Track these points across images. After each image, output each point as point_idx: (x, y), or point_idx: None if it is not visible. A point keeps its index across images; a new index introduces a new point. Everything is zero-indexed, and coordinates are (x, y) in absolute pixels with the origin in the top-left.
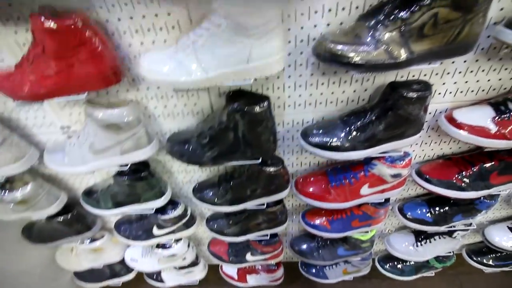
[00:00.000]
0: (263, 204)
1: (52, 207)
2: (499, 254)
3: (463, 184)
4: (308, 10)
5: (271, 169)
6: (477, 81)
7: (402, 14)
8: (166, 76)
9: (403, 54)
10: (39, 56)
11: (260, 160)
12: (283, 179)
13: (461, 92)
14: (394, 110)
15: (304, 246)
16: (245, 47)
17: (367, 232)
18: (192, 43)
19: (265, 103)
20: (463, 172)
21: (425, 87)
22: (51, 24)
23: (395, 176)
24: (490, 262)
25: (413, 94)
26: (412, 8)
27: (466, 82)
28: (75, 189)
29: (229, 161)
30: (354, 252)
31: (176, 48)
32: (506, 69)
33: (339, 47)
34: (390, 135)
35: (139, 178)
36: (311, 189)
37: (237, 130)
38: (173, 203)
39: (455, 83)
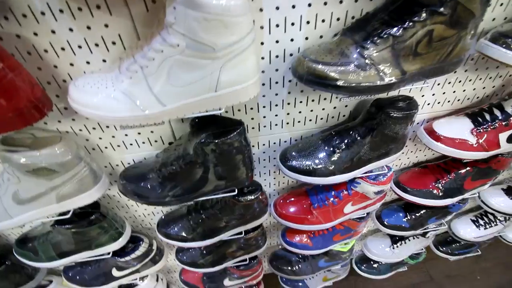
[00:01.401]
0: (241, 233)
1: None
2: (463, 243)
3: (439, 192)
4: (284, 21)
5: (249, 197)
6: (454, 91)
7: (394, 30)
8: (107, 112)
9: (395, 75)
10: None
11: (236, 191)
12: (262, 204)
13: (439, 103)
14: (381, 129)
15: (284, 262)
16: (212, 72)
17: (347, 243)
18: (141, 68)
19: (239, 130)
20: (439, 180)
21: (411, 105)
22: None
23: (379, 192)
24: (455, 251)
25: (400, 113)
26: (405, 25)
27: (444, 93)
28: (5, 235)
29: (198, 198)
30: (334, 263)
31: (118, 73)
32: (480, 79)
33: (324, 67)
34: (375, 155)
35: (87, 224)
36: (292, 212)
37: (207, 163)
38: (134, 240)
39: (433, 94)
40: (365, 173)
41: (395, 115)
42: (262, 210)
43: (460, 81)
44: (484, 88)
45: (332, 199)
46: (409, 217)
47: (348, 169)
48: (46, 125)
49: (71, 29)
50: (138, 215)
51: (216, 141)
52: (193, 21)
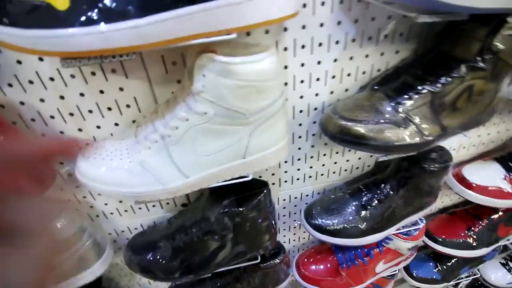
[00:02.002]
0: None
1: None
2: None
3: (472, 241)
4: (309, 77)
5: (271, 262)
6: (479, 135)
7: (432, 87)
8: (122, 187)
9: (434, 131)
10: None
11: (259, 259)
12: (285, 267)
13: (464, 147)
14: (415, 183)
15: None
16: (241, 138)
17: None
18: (162, 138)
19: (265, 193)
20: (471, 228)
21: (445, 155)
22: None
23: (412, 248)
24: None
25: (436, 167)
26: (443, 80)
27: (469, 138)
28: None
29: (214, 270)
30: None
31: (134, 142)
32: (504, 122)
33: (359, 126)
34: (409, 210)
35: None
36: (318, 274)
37: (228, 232)
38: None
39: (459, 140)
40: (397, 229)
41: (431, 168)
42: (285, 273)
43: (485, 125)
44: (507, 130)
45: (362, 258)
46: (440, 268)
47: (380, 227)
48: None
49: (82, 94)
50: (143, 283)
51: (241, 209)
52: (224, 89)
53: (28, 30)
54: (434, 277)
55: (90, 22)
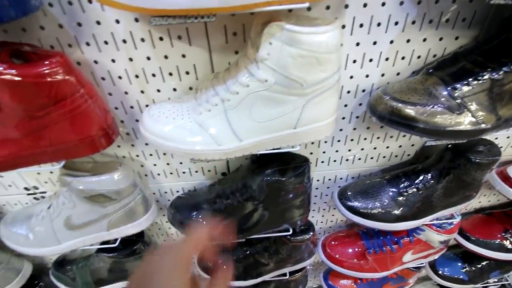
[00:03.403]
0: (285, 274)
1: (12, 284)
2: None
3: (508, 243)
4: (362, 57)
5: (301, 237)
6: None
7: (494, 74)
8: (180, 144)
9: (489, 120)
10: None
11: (291, 231)
12: (312, 245)
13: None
14: (458, 175)
15: None
16: (295, 108)
17: None
18: (222, 101)
19: (306, 168)
20: (509, 231)
21: (493, 150)
22: (11, 75)
23: (444, 242)
24: None
25: (483, 159)
26: (506, 68)
27: None
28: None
29: (249, 236)
30: None
31: (195, 104)
32: None
33: (411, 108)
34: (447, 201)
35: (130, 253)
36: (344, 256)
37: (267, 200)
38: None
39: (508, 137)
40: (431, 220)
41: (477, 160)
42: (311, 252)
43: None
44: None
45: (390, 245)
46: (468, 269)
47: (415, 215)
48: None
49: (148, 58)
50: None
51: (283, 179)
52: (287, 57)
53: None
54: (461, 277)
55: None
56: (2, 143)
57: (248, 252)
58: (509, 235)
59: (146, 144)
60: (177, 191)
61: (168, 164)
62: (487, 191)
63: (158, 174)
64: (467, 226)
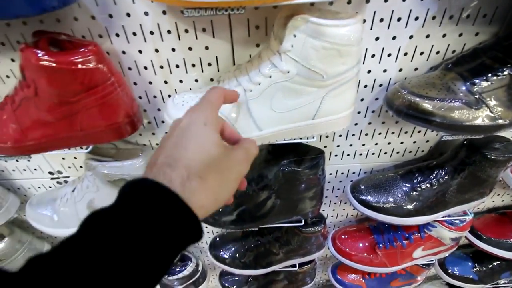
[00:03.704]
0: (294, 266)
1: None
2: None
3: None
4: (381, 51)
5: (312, 229)
6: None
7: None
8: None
9: (508, 116)
10: (30, 99)
11: (303, 222)
12: (322, 238)
13: None
14: (473, 171)
15: None
16: (315, 100)
17: None
18: (244, 91)
19: (321, 159)
20: None
21: (509, 147)
22: (49, 61)
23: (455, 239)
24: None
25: (499, 156)
26: None
27: None
28: (63, 237)
29: (262, 224)
30: None
31: None
32: None
33: (429, 103)
34: (461, 198)
35: None
36: (354, 250)
37: (281, 190)
38: (182, 259)
39: None
40: (443, 216)
41: (493, 157)
42: (321, 244)
43: None
44: None
45: (401, 240)
46: (478, 268)
47: (427, 211)
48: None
49: (173, 49)
50: None
51: (299, 169)
52: (310, 49)
53: None
54: (471, 276)
55: None
56: (37, 126)
57: (259, 242)
58: None
59: (166, 133)
60: None
61: None
62: (501, 190)
63: None
64: (479, 225)
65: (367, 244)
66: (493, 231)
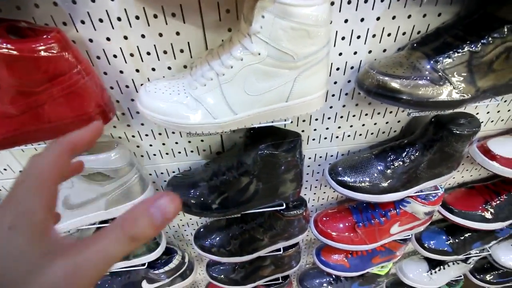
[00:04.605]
0: (279, 250)
1: None
2: (501, 271)
3: (488, 214)
4: (350, 33)
5: (294, 212)
6: (509, 110)
7: (472, 46)
8: (177, 118)
9: (469, 91)
10: None
11: (284, 205)
12: (304, 221)
13: (492, 121)
14: (441, 147)
15: (315, 283)
16: (287, 82)
17: (384, 267)
18: (217, 75)
19: (299, 142)
20: (489, 202)
21: (474, 122)
22: (9, 49)
23: (429, 213)
24: (492, 279)
25: (464, 131)
26: (484, 40)
27: (498, 111)
28: None
29: (245, 210)
30: (368, 287)
31: (191, 80)
32: None
33: (396, 81)
34: (431, 173)
35: None
36: (335, 230)
37: (261, 175)
38: (167, 252)
39: (488, 113)
40: (416, 192)
41: (458, 132)
42: (304, 227)
43: None
44: None
45: (378, 218)
46: (452, 241)
47: (401, 187)
48: None
49: (143, 36)
50: (172, 225)
51: (277, 152)
52: (279, 30)
53: None
54: (446, 249)
55: None
56: (1, 120)
57: (243, 229)
58: (489, 206)
59: (142, 124)
60: (173, 171)
61: (163, 144)
62: (469, 165)
63: (154, 155)
64: (450, 199)
65: (347, 224)
66: (463, 204)
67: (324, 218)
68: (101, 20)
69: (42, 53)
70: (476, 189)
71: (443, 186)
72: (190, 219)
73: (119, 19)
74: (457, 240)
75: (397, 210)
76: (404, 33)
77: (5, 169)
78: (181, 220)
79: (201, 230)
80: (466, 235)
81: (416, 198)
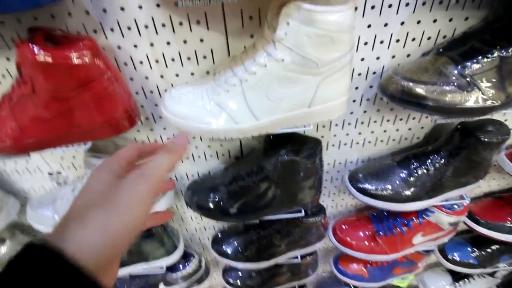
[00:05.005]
0: (296, 257)
1: None
2: None
3: None
4: (373, 39)
5: (313, 219)
6: None
7: (502, 51)
8: (200, 123)
9: (498, 98)
10: (27, 96)
11: (303, 212)
12: (322, 228)
13: None
14: (467, 155)
15: None
16: (310, 88)
17: (404, 278)
18: (240, 82)
19: (319, 148)
20: None
21: (503, 129)
22: (45, 56)
23: (454, 223)
24: None
25: (492, 138)
26: None
27: None
28: None
29: (263, 216)
30: None
31: (214, 85)
32: None
33: (422, 87)
34: (457, 182)
35: (149, 235)
36: (354, 239)
37: (280, 180)
38: (185, 256)
39: None
40: (440, 201)
41: (486, 140)
42: (322, 235)
43: None
44: None
45: (400, 227)
46: (478, 253)
47: (425, 195)
48: (126, 133)
49: (168, 43)
50: (190, 229)
51: (297, 158)
52: (304, 36)
53: None
54: (471, 261)
55: None
56: (35, 124)
57: (261, 234)
58: None
59: (164, 128)
60: (192, 175)
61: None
62: (496, 174)
63: None
64: (477, 209)
65: (367, 232)
66: (491, 215)
67: (343, 226)
68: (129, 28)
69: (75, 61)
70: (505, 199)
71: (469, 195)
72: (208, 223)
73: (146, 26)
74: (483, 253)
75: (420, 219)
76: (429, 38)
77: (34, 171)
78: (198, 223)
79: (219, 234)
80: (493, 247)
81: (441, 208)
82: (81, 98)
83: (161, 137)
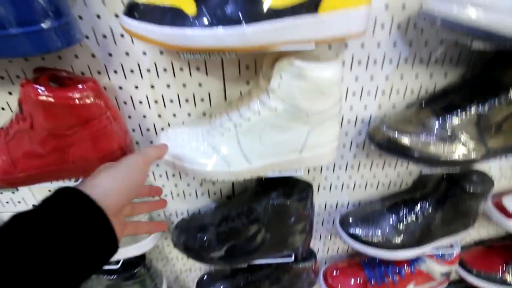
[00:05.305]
0: None
1: None
2: None
3: (510, 277)
4: (360, 90)
5: (302, 265)
6: None
7: (479, 109)
8: (194, 165)
9: (479, 150)
10: (24, 132)
11: (293, 257)
12: (313, 274)
13: (505, 178)
14: (454, 203)
15: None
16: (301, 134)
17: None
18: (235, 126)
19: (310, 192)
20: (510, 264)
21: (486, 180)
22: (48, 97)
23: (446, 274)
24: None
25: (476, 189)
26: (490, 103)
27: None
28: None
29: (251, 260)
30: None
31: (209, 128)
32: None
33: (406, 138)
34: (446, 230)
35: (130, 277)
36: (345, 287)
37: (271, 224)
38: None
39: (500, 169)
40: (431, 249)
41: (472, 191)
42: (312, 281)
43: None
44: None
45: (392, 276)
46: None
47: (415, 243)
48: None
49: (168, 85)
50: (174, 270)
51: (288, 202)
52: (295, 89)
53: (164, 28)
54: None
55: (210, 25)
56: (28, 158)
57: (249, 279)
58: (510, 268)
59: (157, 165)
60: (182, 213)
61: (176, 185)
62: (485, 222)
63: (165, 196)
64: (468, 258)
65: (358, 280)
66: (482, 264)
67: (334, 273)
68: (132, 71)
69: (77, 101)
70: (494, 249)
71: (460, 243)
72: (194, 264)
73: (148, 70)
74: None
75: (412, 268)
76: (412, 92)
77: (19, 202)
78: (184, 264)
79: (205, 277)
80: None
81: (432, 257)
82: (79, 136)
83: (153, 173)
